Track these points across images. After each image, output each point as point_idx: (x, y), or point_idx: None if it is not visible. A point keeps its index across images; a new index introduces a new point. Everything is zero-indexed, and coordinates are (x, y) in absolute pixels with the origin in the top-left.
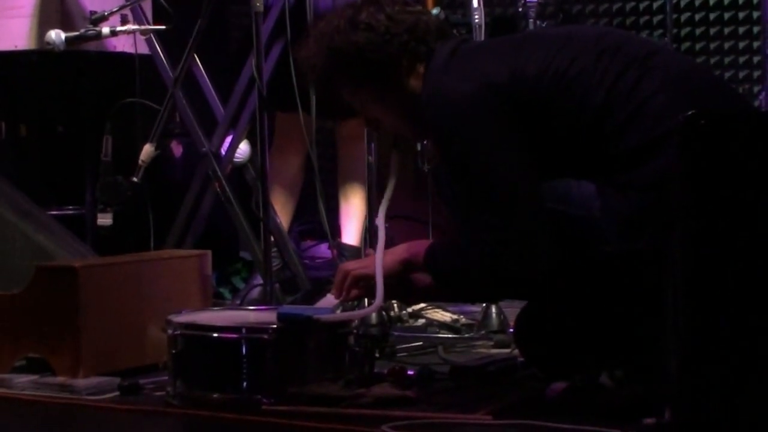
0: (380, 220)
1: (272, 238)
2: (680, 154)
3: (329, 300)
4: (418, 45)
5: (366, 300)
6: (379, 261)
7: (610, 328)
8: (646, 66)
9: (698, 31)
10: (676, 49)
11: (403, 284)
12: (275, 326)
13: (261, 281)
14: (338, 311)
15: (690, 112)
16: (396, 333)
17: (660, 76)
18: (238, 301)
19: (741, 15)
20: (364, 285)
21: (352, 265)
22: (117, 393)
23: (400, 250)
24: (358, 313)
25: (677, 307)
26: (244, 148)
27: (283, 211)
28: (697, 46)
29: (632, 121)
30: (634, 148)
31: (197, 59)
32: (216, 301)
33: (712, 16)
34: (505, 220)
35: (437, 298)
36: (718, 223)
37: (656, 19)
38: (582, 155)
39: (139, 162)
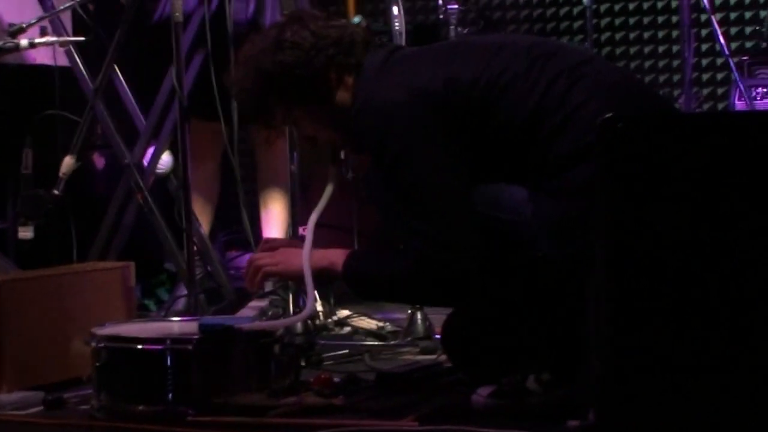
0: (310, 225)
1: (196, 248)
2: (598, 156)
3: (251, 309)
4: (345, 57)
5: (291, 307)
6: (308, 269)
7: (538, 332)
8: (577, 74)
9: (618, 36)
10: (596, 54)
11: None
12: (199, 337)
13: (185, 292)
14: (262, 320)
15: (607, 115)
16: (322, 341)
17: (591, 84)
18: (162, 313)
19: (660, 19)
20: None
21: (263, 261)
22: (41, 407)
23: (318, 257)
24: (280, 322)
25: (599, 310)
26: (166, 159)
27: (202, 217)
28: (617, 51)
29: (563, 128)
30: (565, 154)
31: (117, 70)
32: (140, 313)
33: (631, 21)
34: (433, 227)
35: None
36: (637, 224)
37: (576, 24)
38: (515, 161)
39: (60, 174)
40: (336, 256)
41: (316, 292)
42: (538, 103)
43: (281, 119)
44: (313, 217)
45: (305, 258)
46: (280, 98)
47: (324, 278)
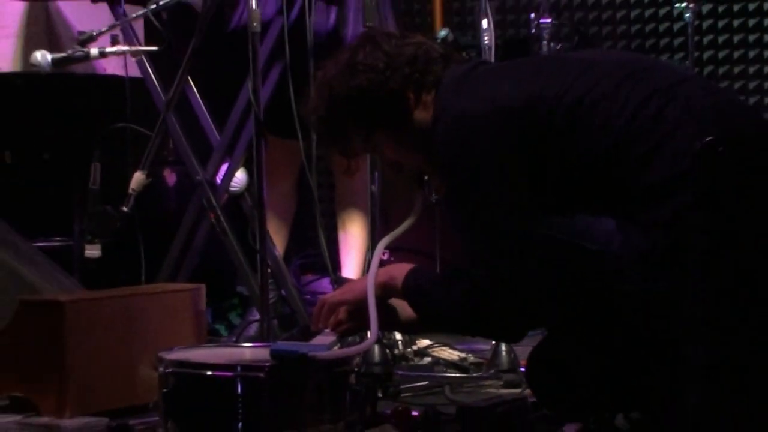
0: (378, 250)
1: (270, 271)
2: (696, 184)
3: (326, 336)
4: (422, 75)
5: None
6: (371, 289)
7: (627, 368)
8: (672, 95)
9: (721, 55)
10: (698, 73)
11: (383, 311)
12: (272, 364)
13: (258, 317)
14: (336, 348)
15: (707, 139)
16: (400, 372)
17: (687, 106)
18: (233, 338)
19: (766, 38)
20: (345, 314)
21: (329, 296)
22: None
23: (380, 274)
24: (355, 348)
25: (695, 349)
26: (240, 177)
27: (277, 238)
28: (720, 70)
29: (655, 153)
30: (656, 183)
31: (191, 82)
32: (211, 337)
33: (736, 38)
34: (496, 255)
35: (421, 329)
36: (738, 258)
37: (677, 41)
38: (600, 188)
39: (130, 190)
40: (398, 270)
41: None
42: (627, 125)
43: (361, 146)
44: (383, 242)
45: (370, 281)
46: (358, 124)
47: (387, 295)
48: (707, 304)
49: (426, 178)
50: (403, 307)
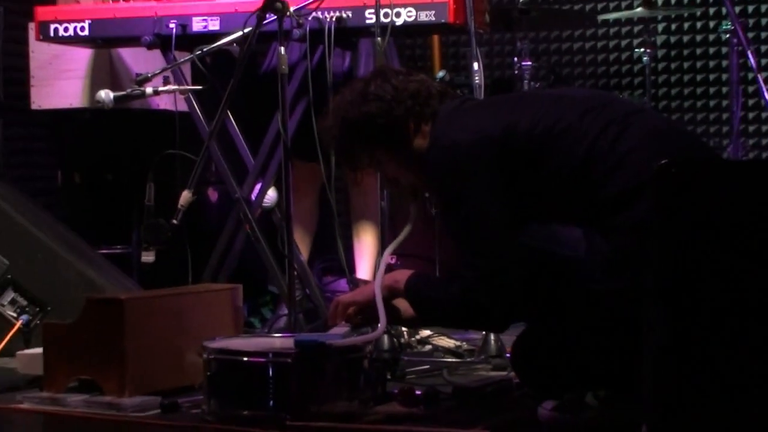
0: (384, 258)
1: (296, 273)
2: (654, 199)
3: (341, 328)
4: (422, 108)
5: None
6: (378, 290)
7: (595, 354)
8: (625, 124)
9: (673, 92)
10: (654, 107)
11: (388, 309)
12: (297, 351)
13: (286, 311)
14: (352, 336)
15: (662, 161)
16: (406, 357)
17: (638, 133)
18: (266, 330)
19: (711, 77)
20: (355, 311)
21: (342, 296)
22: (158, 411)
23: (386, 277)
24: (363, 337)
25: (652, 335)
26: (271, 195)
27: (302, 245)
28: (673, 104)
29: (613, 172)
30: (615, 195)
31: (230, 115)
32: (247, 329)
33: (686, 78)
34: (482, 261)
35: (420, 325)
36: (688, 261)
37: (636, 80)
38: (569, 201)
39: (179, 206)
40: (401, 275)
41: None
42: (590, 149)
43: (366, 162)
44: (388, 250)
45: (377, 283)
46: (365, 144)
47: (391, 296)
48: (662, 300)
49: (426, 194)
50: (405, 307)
